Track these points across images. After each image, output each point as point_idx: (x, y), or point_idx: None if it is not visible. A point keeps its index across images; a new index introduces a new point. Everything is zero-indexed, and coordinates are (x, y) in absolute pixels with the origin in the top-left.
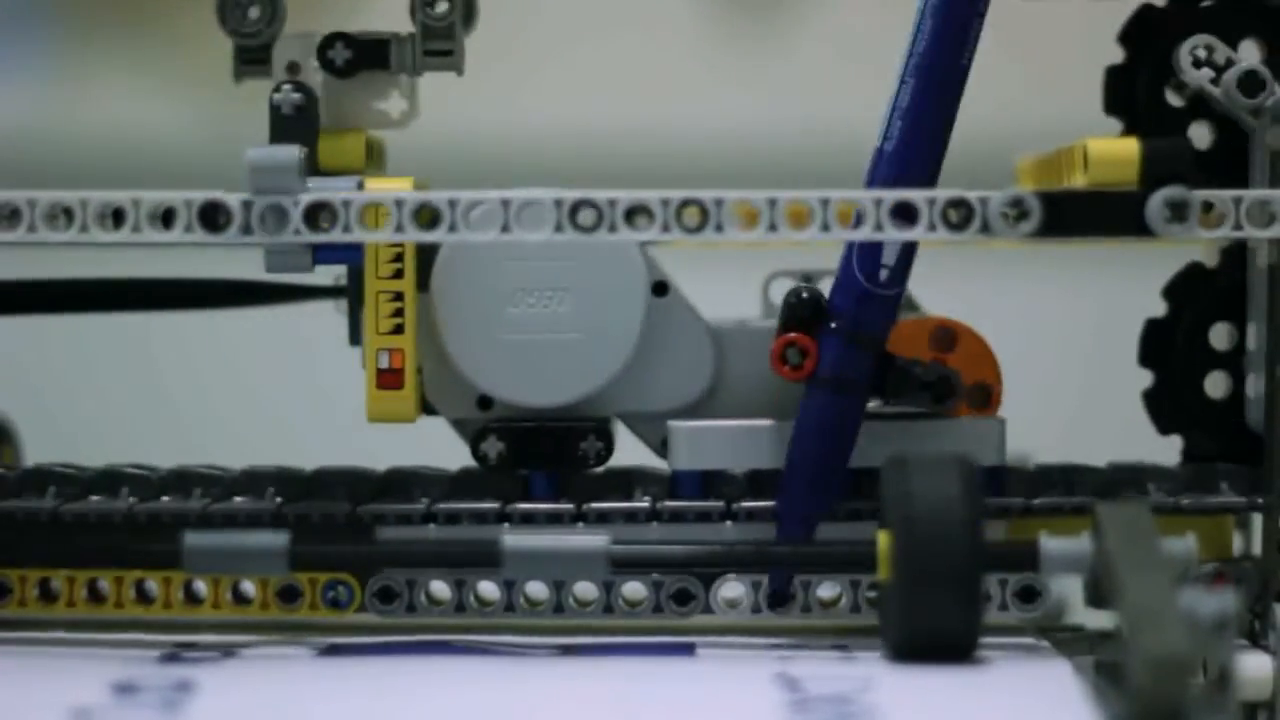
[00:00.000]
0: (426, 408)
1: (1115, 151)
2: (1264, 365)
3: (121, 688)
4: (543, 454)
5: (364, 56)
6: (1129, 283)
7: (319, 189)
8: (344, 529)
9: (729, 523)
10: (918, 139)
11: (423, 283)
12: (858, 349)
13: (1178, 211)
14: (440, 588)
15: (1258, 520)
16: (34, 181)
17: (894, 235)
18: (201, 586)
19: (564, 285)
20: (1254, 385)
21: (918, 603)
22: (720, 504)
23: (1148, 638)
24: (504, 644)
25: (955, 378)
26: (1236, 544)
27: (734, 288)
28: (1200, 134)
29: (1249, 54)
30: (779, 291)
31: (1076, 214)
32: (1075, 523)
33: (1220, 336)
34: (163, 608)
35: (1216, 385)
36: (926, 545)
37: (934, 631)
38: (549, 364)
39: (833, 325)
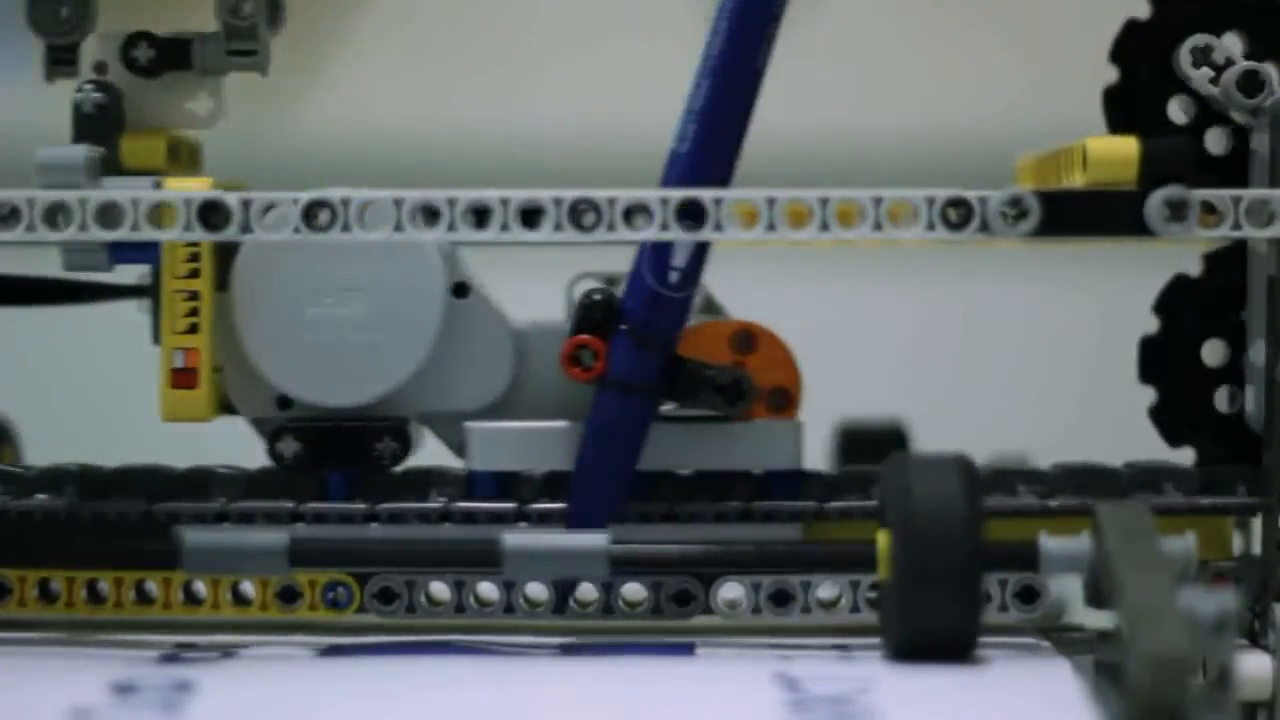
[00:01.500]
0: (227, 407)
1: (1114, 151)
2: (1263, 368)
3: (121, 688)
4: (338, 454)
5: (167, 56)
6: (1129, 283)
7: (113, 188)
8: (138, 528)
9: (523, 524)
10: (711, 141)
11: (222, 282)
12: (647, 351)
13: (1177, 211)
14: (440, 588)
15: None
16: (34, 181)
17: (894, 235)
18: (201, 587)
19: (361, 286)
20: (1253, 388)
21: (918, 603)
22: (513, 505)
23: (1147, 638)
24: (504, 644)
25: (748, 381)
26: (1237, 544)
27: (556, 290)
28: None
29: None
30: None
31: (1076, 213)
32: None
33: (1215, 345)
34: (162, 608)
35: (1217, 394)
36: (926, 545)
37: (934, 631)
38: (346, 364)
39: (623, 327)
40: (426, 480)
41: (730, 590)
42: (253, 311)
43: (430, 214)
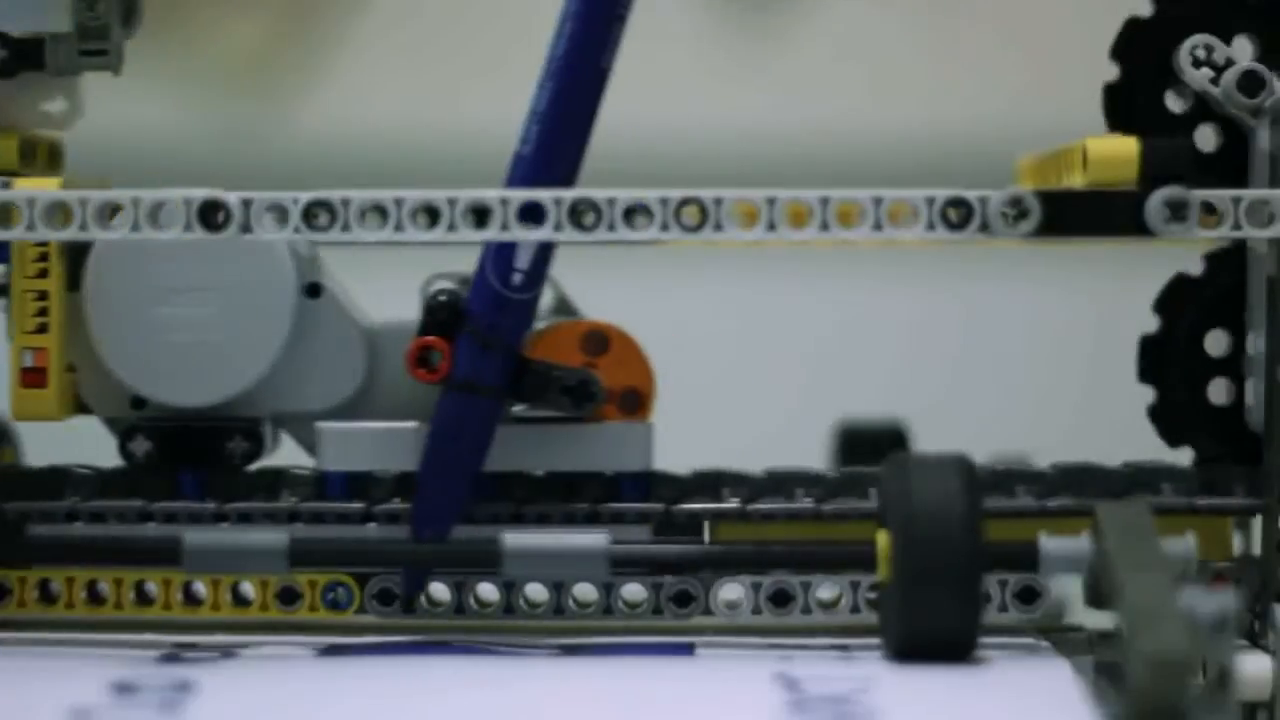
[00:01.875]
0: (83, 406)
1: (1114, 151)
2: (1263, 367)
3: (121, 688)
4: (190, 453)
5: (20, 56)
6: (1128, 283)
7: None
8: None
9: (371, 524)
10: (554, 143)
11: (75, 282)
12: (492, 352)
13: (1177, 211)
14: (440, 589)
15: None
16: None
17: (894, 235)
18: (201, 588)
19: (212, 286)
20: (1254, 388)
21: (918, 603)
22: (361, 505)
23: (1147, 638)
24: (504, 644)
25: (595, 382)
26: (1237, 544)
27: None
28: (1205, 137)
29: (1243, 50)
30: None
31: (1076, 213)
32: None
33: (1216, 344)
34: (162, 609)
35: (1217, 393)
36: (926, 545)
37: (934, 632)
38: (197, 364)
39: (468, 329)
40: (279, 480)
41: (730, 590)
42: (105, 311)
43: (430, 214)
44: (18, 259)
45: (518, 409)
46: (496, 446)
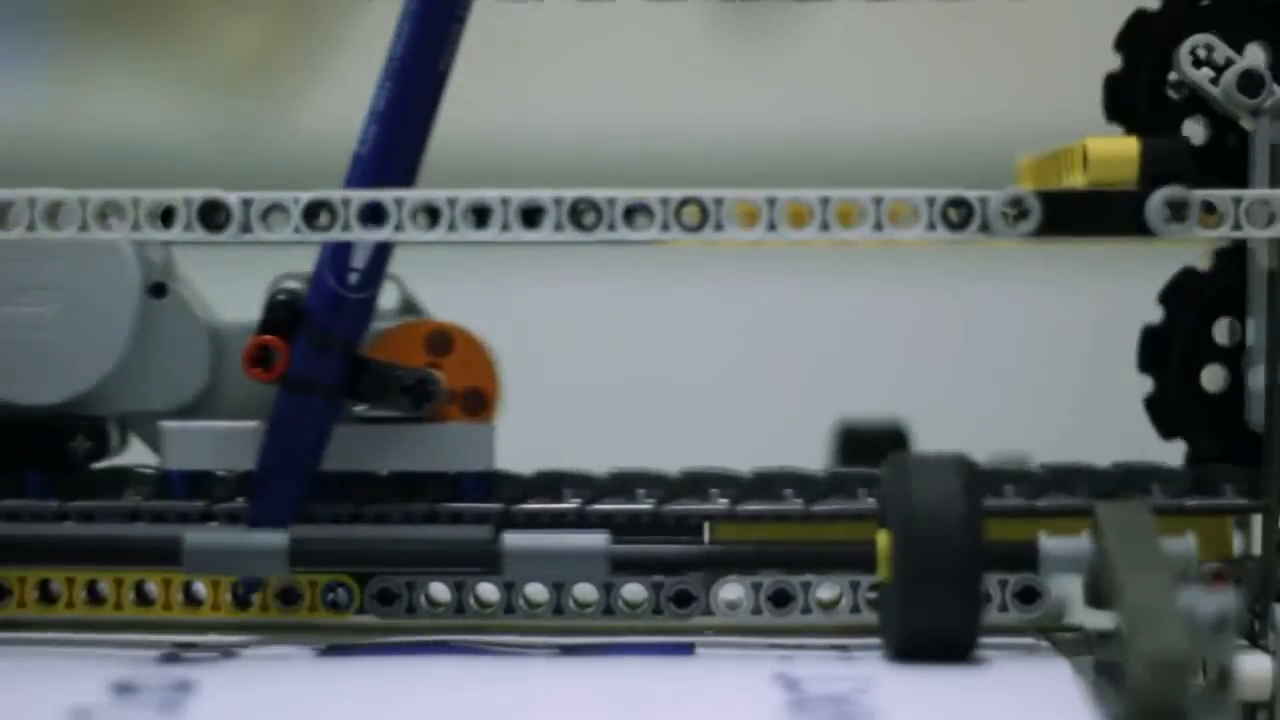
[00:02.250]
0: None
1: (1115, 151)
2: (1264, 364)
3: (121, 688)
4: (33, 452)
5: None
6: (1128, 283)
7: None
8: None
9: (212, 523)
10: (392, 143)
11: None
12: (328, 352)
13: (1177, 211)
14: (440, 589)
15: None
16: (34, 181)
17: (894, 235)
18: (201, 588)
19: (55, 285)
20: (1254, 385)
21: (918, 603)
22: (201, 504)
23: (1147, 638)
24: (503, 644)
25: (435, 382)
26: (1237, 544)
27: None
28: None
29: (1255, 57)
30: None
31: (1076, 213)
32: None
33: (1217, 338)
34: (162, 609)
35: (1215, 388)
36: (926, 545)
37: (934, 632)
38: (40, 363)
39: (304, 328)
40: (124, 479)
41: (730, 590)
42: None
43: (430, 214)
44: None
45: (361, 409)
46: (339, 446)
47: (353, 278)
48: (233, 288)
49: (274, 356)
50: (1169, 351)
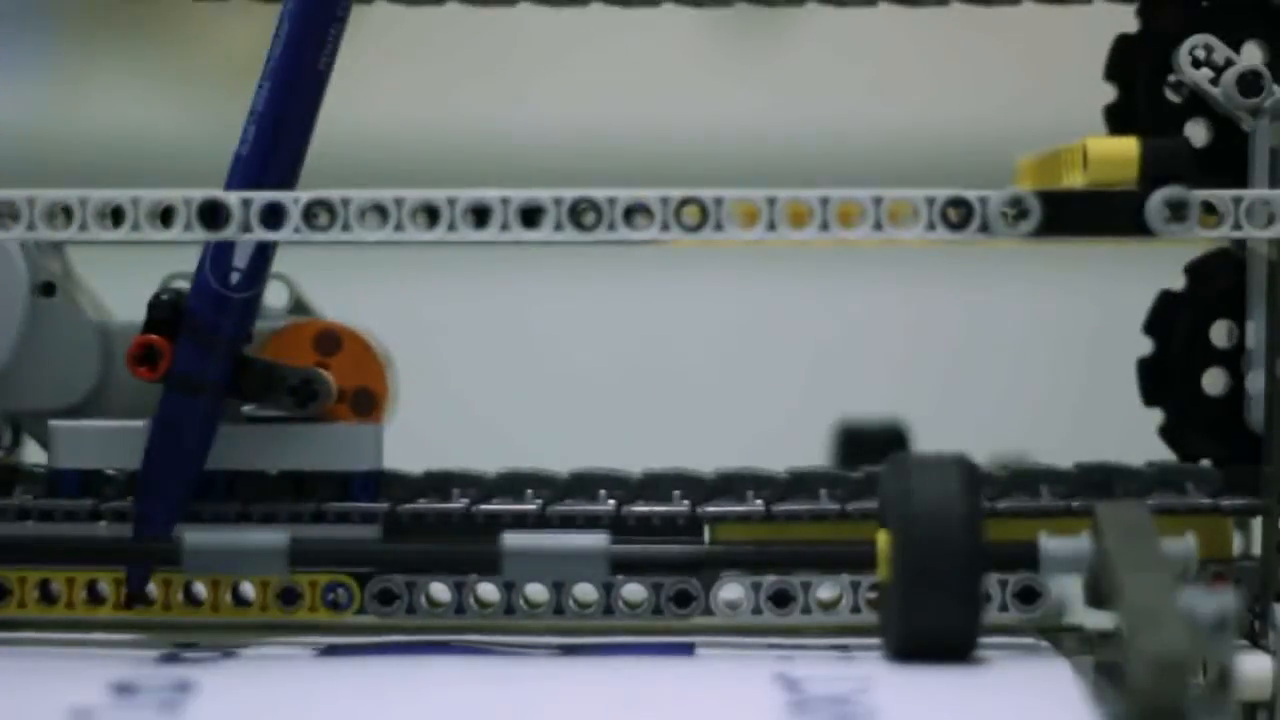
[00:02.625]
0: None
1: (1115, 151)
2: (1264, 365)
3: (121, 688)
4: None
5: None
6: (1128, 283)
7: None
8: None
9: (102, 523)
10: (272, 143)
11: None
12: (211, 351)
13: (1177, 211)
14: (440, 590)
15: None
16: (34, 181)
17: (894, 235)
18: (201, 588)
19: None
20: (1253, 385)
21: (918, 603)
22: (89, 503)
23: (1147, 638)
24: (504, 644)
25: (320, 380)
26: (1237, 544)
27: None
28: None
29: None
30: None
31: (1076, 213)
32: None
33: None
34: (162, 609)
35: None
36: (926, 545)
37: (934, 632)
38: None
39: (187, 327)
40: (14, 477)
41: (730, 590)
42: None
43: (430, 214)
44: None
45: (249, 409)
46: (227, 445)
47: (234, 277)
48: (134, 287)
49: (158, 356)
50: (1167, 380)
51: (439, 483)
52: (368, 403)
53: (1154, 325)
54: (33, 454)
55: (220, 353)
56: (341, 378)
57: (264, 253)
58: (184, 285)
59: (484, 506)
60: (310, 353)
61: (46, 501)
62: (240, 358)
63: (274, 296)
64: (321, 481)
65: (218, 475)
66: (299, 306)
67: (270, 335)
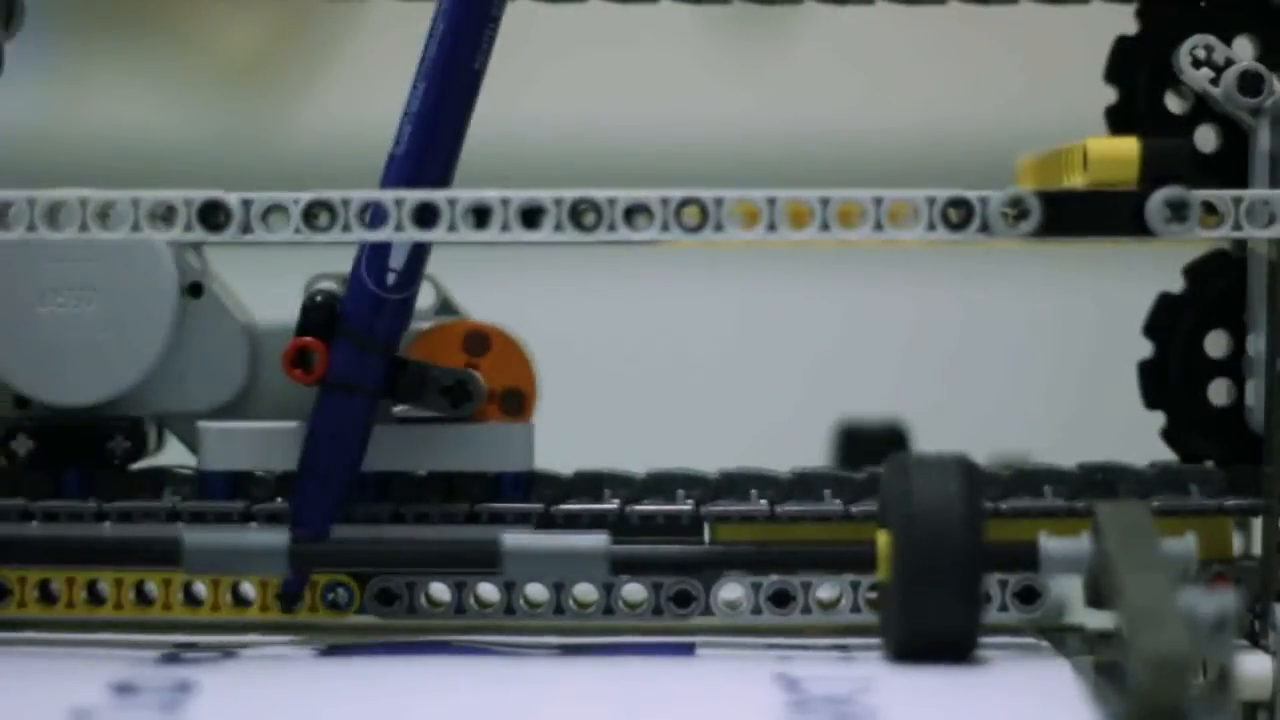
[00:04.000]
0: None
1: (1115, 151)
2: (1263, 368)
3: (121, 688)
4: (72, 452)
5: None
6: (1128, 283)
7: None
8: None
9: (252, 524)
10: (428, 143)
11: None
12: (367, 353)
13: (1177, 211)
14: (440, 589)
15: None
16: (34, 181)
17: (894, 236)
18: (201, 588)
19: (93, 286)
20: (1253, 388)
21: (918, 603)
22: (240, 505)
23: (1147, 638)
24: (504, 644)
25: (474, 381)
26: (1237, 544)
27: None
28: (1205, 137)
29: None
30: None
31: (1076, 214)
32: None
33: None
34: (162, 609)
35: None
36: (926, 545)
37: (934, 632)
38: (78, 364)
39: (343, 329)
40: (162, 479)
41: (730, 590)
42: None
43: (430, 214)
44: None
45: (399, 409)
46: (379, 446)
47: (391, 278)
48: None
49: (313, 358)
50: (1167, 382)
51: (591, 483)
52: (517, 402)
53: (1154, 328)
54: (171, 455)
55: (377, 354)
56: (491, 378)
57: (420, 254)
58: (328, 286)
59: (637, 507)
60: (459, 353)
61: (197, 504)
62: (395, 359)
63: (420, 297)
64: (471, 482)
65: (367, 477)
66: (446, 307)
67: (418, 336)
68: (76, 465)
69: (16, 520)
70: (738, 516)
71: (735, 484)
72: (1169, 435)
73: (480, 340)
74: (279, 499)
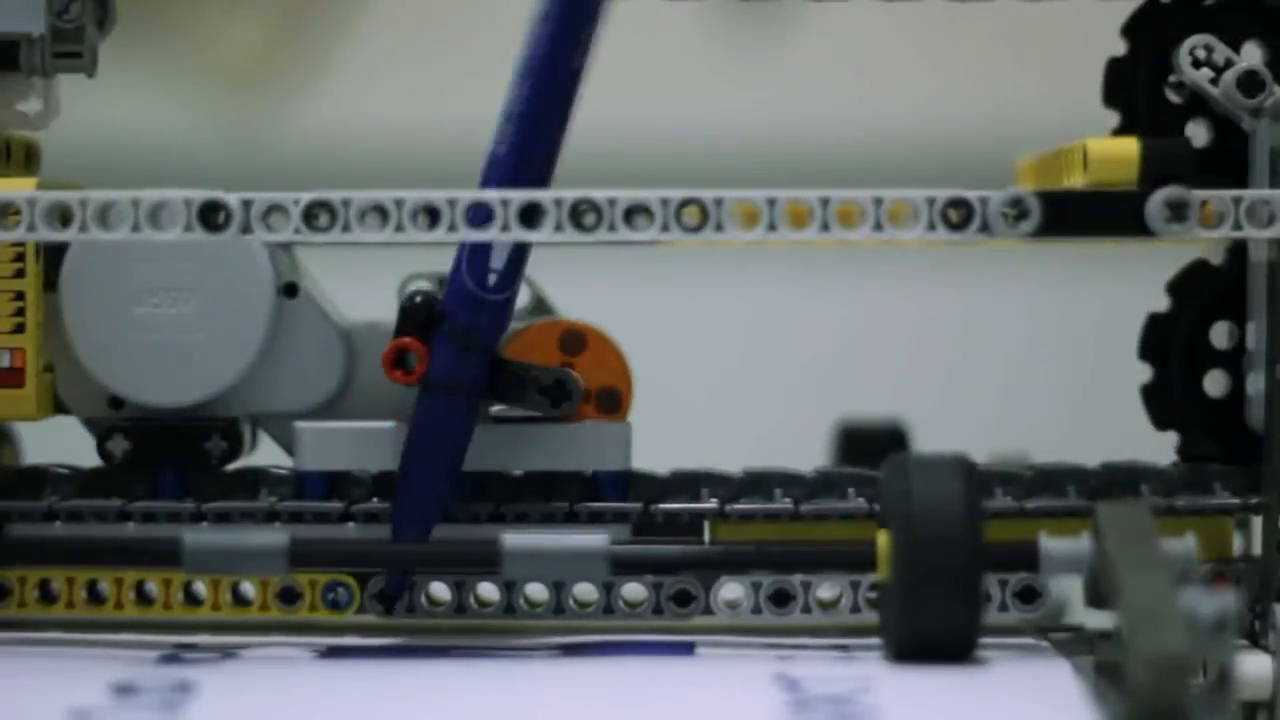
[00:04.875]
0: (60, 406)
1: (1115, 151)
2: (1264, 365)
3: (121, 688)
4: (168, 453)
5: None
6: (1129, 283)
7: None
8: None
9: (350, 524)
10: (530, 143)
11: (51, 282)
12: (468, 353)
13: (1177, 211)
14: (440, 589)
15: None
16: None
17: (894, 236)
18: (201, 588)
19: (189, 286)
20: (1253, 385)
21: (918, 603)
22: (339, 505)
23: (1147, 638)
24: (503, 648)
25: (572, 381)
26: (1237, 544)
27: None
28: (1197, 132)
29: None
30: None
31: (1076, 214)
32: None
33: (1221, 336)
34: (162, 609)
35: (1214, 385)
36: (926, 545)
37: (934, 632)
38: (175, 364)
39: (444, 330)
40: (258, 480)
41: (730, 590)
42: (81, 311)
43: (430, 214)
44: None
45: (496, 409)
46: (475, 446)
47: (491, 278)
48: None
49: (413, 359)
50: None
51: (689, 482)
52: (613, 402)
53: (1147, 351)
54: (265, 455)
55: (477, 355)
56: (587, 377)
57: (521, 255)
58: (423, 286)
59: (736, 506)
60: (556, 353)
61: (295, 504)
62: (495, 359)
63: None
64: (569, 481)
65: (464, 476)
66: (540, 306)
67: (514, 335)
68: (173, 466)
69: (114, 521)
70: (835, 515)
71: (832, 483)
72: (1184, 453)
73: (577, 340)
74: (375, 499)
